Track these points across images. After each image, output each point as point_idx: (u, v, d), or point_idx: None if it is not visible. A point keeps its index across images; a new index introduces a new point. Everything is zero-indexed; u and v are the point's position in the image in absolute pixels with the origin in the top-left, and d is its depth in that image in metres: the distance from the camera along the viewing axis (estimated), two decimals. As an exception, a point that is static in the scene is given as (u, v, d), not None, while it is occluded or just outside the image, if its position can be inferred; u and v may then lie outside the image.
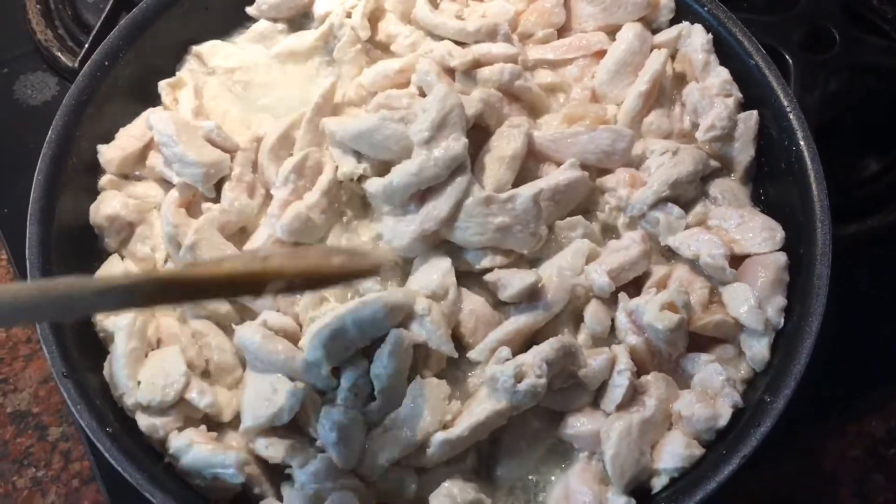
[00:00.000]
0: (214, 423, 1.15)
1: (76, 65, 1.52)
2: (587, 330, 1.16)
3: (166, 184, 1.28)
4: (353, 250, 1.13)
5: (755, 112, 1.27)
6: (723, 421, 1.10)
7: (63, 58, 1.65)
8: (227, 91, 1.38)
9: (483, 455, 1.14)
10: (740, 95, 1.29)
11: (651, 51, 1.32)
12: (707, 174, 1.25)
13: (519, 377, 1.06)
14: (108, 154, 1.28)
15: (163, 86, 1.36)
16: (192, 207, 1.26)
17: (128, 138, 1.30)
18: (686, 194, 1.23)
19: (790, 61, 1.46)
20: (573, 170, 1.20)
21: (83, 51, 1.52)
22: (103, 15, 1.56)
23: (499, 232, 1.15)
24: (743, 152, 1.27)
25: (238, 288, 0.94)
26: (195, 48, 1.41)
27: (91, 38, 1.53)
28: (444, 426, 1.08)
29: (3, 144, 1.58)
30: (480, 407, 1.08)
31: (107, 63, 1.30)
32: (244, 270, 0.91)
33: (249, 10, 1.44)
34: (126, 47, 1.32)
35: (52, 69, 1.67)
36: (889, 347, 1.40)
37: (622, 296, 1.16)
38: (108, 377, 1.14)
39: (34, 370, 1.44)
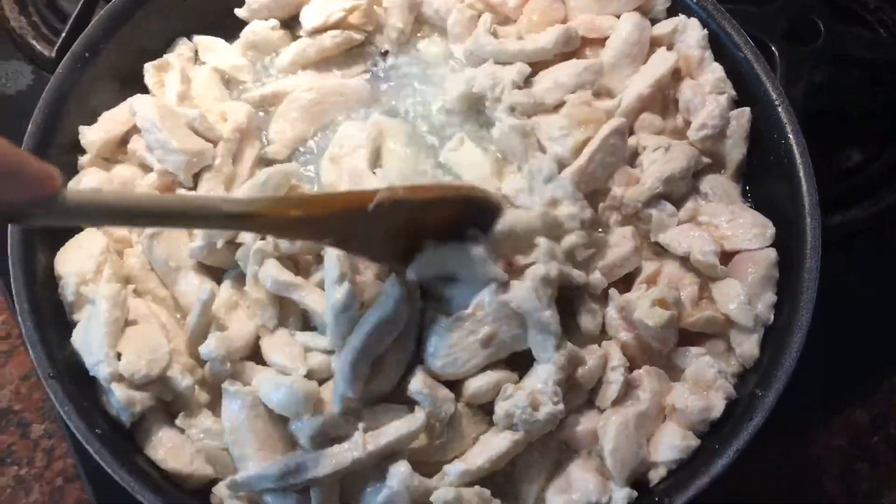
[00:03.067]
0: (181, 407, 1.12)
1: (53, 54, 1.49)
2: (579, 328, 1.15)
3: (147, 168, 1.25)
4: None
5: (747, 109, 1.26)
6: (716, 412, 1.10)
7: (38, 46, 1.60)
8: (215, 83, 1.35)
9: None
10: (734, 93, 1.28)
11: (649, 41, 1.30)
12: (698, 170, 1.25)
13: (534, 405, 1.04)
14: (90, 136, 1.26)
15: (148, 68, 1.33)
16: (167, 192, 1.23)
17: (111, 122, 1.27)
18: (678, 190, 1.22)
19: (776, 53, 1.45)
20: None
21: (60, 40, 1.49)
22: (80, 2, 1.52)
23: (489, 346, 1.08)
24: (735, 150, 1.26)
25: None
26: (196, 37, 1.38)
27: (68, 26, 1.50)
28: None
29: (-21, 135, 1.54)
30: (498, 438, 1.06)
31: (87, 54, 1.27)
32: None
33: (239, 12, 1.39)
34: (106, 38, 1.29)
35: (27, 58, 1.62)
36: (872, 339, 1.41)
37: (613, 292, 1.16)
38: (80, 344, 1.10)
39: (14, 367, 1.41)
